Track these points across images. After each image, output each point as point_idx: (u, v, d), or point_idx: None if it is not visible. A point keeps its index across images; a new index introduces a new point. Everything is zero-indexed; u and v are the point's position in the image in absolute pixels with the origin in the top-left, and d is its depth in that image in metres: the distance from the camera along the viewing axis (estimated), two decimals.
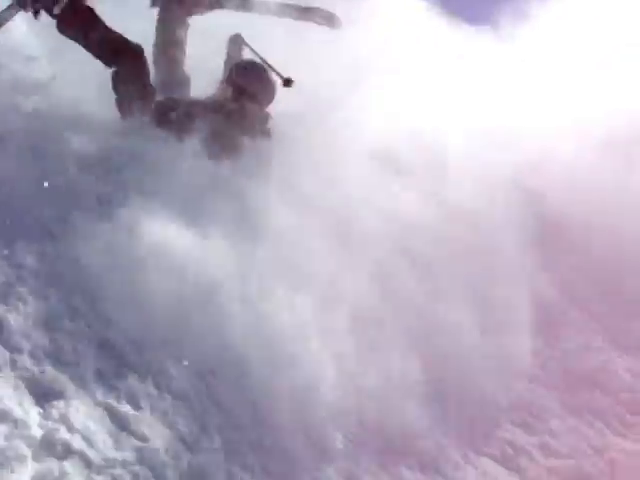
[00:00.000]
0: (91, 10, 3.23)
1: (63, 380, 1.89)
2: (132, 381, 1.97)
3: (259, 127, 3.40)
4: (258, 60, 3.41)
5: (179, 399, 1.99)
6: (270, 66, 3.35)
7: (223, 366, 2.08)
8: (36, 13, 3.07)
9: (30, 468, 1.63)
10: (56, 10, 3.09)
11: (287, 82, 3.23)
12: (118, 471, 1.70)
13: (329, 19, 3.88)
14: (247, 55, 3.71)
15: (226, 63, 3.80)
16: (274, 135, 3.37)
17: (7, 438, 1.66)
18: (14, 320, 2.03)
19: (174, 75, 3.65)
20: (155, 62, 3.60)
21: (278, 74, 3.29)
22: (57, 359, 1.96)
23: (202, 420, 1.92)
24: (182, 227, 2.44)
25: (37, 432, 1.71)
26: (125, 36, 3.27)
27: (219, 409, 1.97)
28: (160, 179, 2.74)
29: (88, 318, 2.12)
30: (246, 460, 1.84)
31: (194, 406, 1.96)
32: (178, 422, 1.91)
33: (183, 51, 3.74)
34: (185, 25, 3.76)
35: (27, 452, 1.64)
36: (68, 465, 1.66)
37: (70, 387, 1.88)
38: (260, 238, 2.57)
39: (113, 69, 3.27)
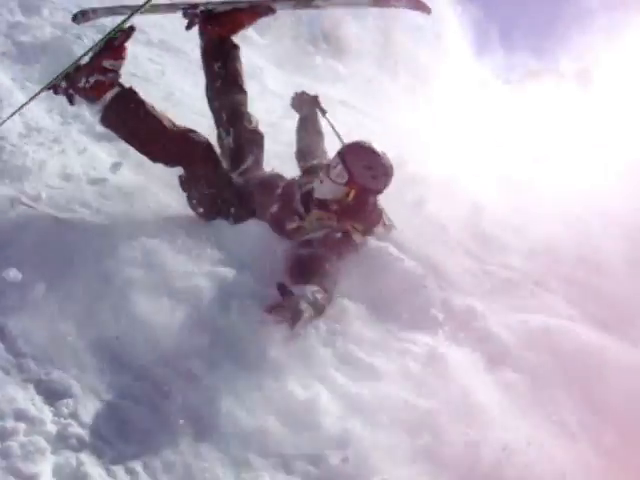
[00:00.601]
0: (143, 104, 2.78)
1: (68, 381, 2.03)
2: (130, 380, 2.13)
3: (378, 215, 2.98)
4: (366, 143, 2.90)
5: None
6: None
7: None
8: (70, 99, 2.73)
9: (50, 460, 1.77)
10: (98, 107, 2.74)
11: None
12: (130, 462, 1.85)
13: (414, 3, 3.14)
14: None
15: (300, 130, 3.47)
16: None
17: (26, 434, 1.79)
18: (14, 326, 2.17)
19: (242, 133, 3.12)
20: (216, 119, 3.16)
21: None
22: (59, 361, 2.10)
23: (198, 412, 2.09)
24: None
25: (52, 428, 1.85)
26: (187, 129, 2.88)
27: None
28: None
29: (84, 320, 2.26)
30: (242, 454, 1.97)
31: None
32: (176, 415, 2.07)
33: (243, 90, 3.23)
34: (236, 50, 3.24)
35: (46, 446, 1.78)
36: (84, 456, 1.80)
37: (75, 387, 2.01)
38: None
39: (181, 173, 2.92)
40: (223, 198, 2.92)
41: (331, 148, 3.29)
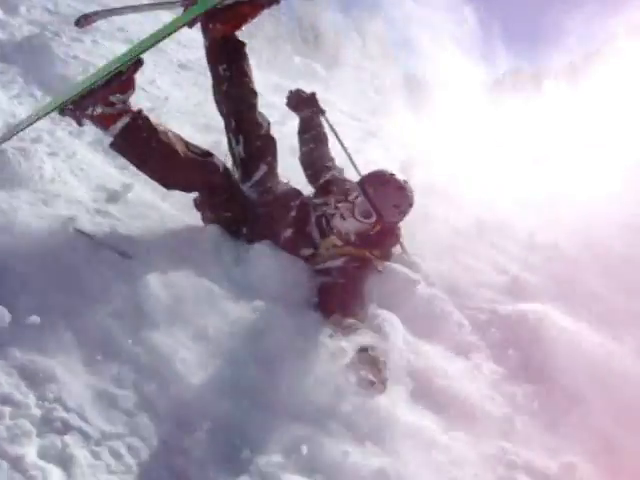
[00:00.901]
0: (155, 132, 2.63)
1: (52, 367, 2.05)
2: (115, 366, 2.17)
3: (396, 238, 2.95)
4: (386, 170, 2.82)
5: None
6: None
7: None
8: (79, 121, 2.57)
9: (35, 442, 1.80)
10: (108, 135, 2.61)
11: None
12: (114, 442, 1.89)
13: None
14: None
15: (303, 133, 3.39)
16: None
17: (12, 417, 1.83)
18: None
19: (252, 141, 3.04)
20: (225, 124, 3.07)
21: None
22: (43, 349, 2.12)
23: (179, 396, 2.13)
24: None
25: (37, 412, 1.88)
26: (202, 153, 2.75)
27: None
28: None
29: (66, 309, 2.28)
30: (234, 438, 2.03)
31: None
32: (160, 399, 2.11)
33: (252, 91, 3.09)
34: (241, 48, 3.07)
35: (32, 429, 1.81)
36: (69, 439, 1.84)
37: (60, 373, 2.04)
38: None
39: (195, 197, 2.89)
40: (238, 220, 2.88)
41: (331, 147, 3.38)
